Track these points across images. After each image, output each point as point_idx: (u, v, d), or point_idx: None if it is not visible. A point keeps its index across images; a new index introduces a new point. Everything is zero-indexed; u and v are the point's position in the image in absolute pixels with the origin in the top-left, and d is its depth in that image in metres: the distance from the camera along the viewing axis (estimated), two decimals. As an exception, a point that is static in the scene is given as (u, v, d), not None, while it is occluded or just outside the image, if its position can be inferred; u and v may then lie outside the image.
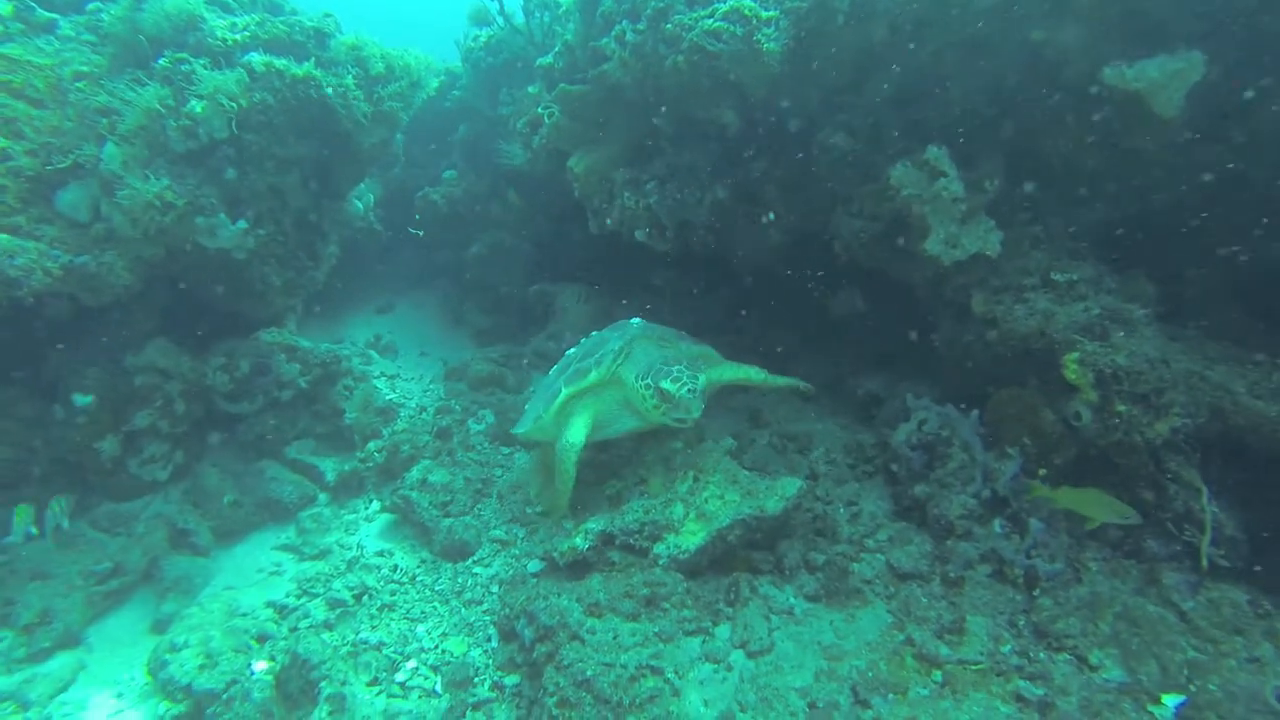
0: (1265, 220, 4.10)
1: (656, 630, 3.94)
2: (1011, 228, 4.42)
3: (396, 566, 5.03)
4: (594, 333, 5.07)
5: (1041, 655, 3.64)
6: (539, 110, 5.56)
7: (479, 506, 5.44)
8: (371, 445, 6.05)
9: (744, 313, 6.37)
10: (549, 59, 5.58)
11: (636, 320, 4.88)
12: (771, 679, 3.67)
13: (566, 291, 8.00)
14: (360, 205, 7.97)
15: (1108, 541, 4.15)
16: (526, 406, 5.28)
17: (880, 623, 3.98)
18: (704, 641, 3.92)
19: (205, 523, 5.52)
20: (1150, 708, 3.37)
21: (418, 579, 4.92)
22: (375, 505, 5.72)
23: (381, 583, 4.88)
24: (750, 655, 3.84)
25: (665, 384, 4.14)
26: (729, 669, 3.78)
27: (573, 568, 4.34)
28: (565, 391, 4.55)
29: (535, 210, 7.49)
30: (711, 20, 3.91)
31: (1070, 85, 4.04)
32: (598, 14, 4.91)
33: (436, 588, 4.81)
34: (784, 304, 6.05)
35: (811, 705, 3.54)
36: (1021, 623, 3.85)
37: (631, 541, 4.25)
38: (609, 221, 5.35)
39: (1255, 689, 3.28)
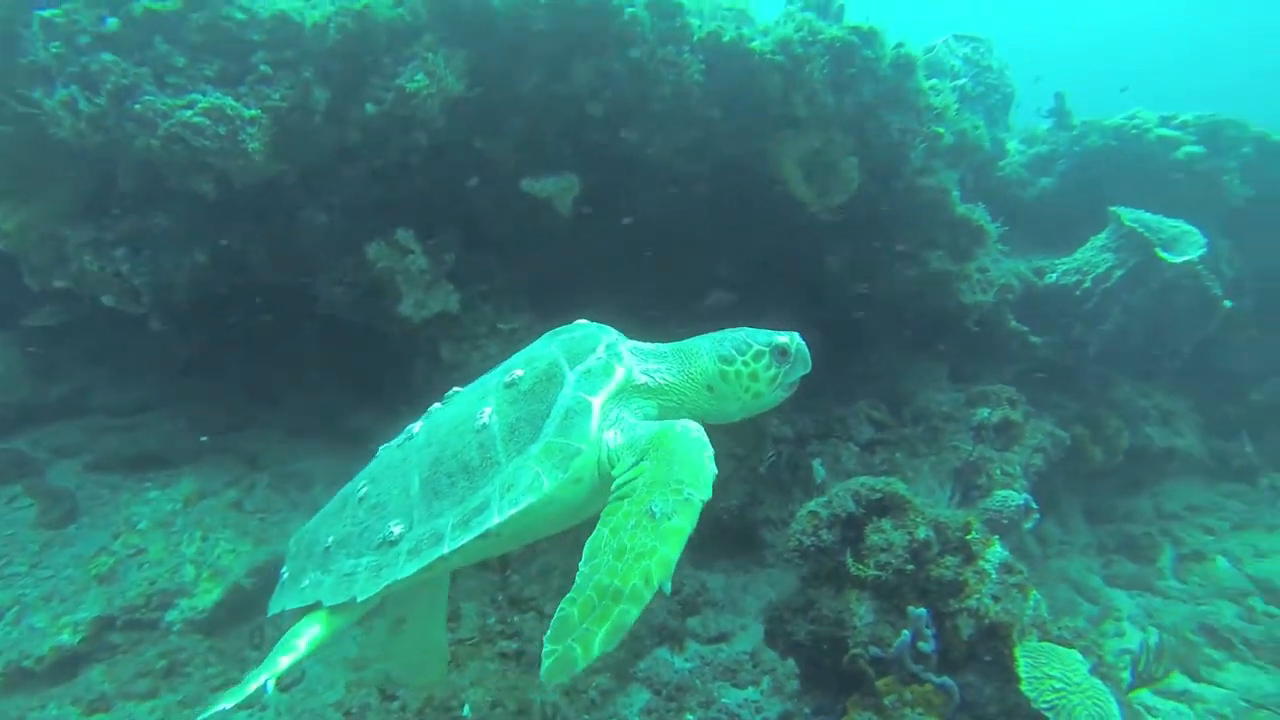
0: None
1: (179, 698, 4.05)
2: (467, 287, 5.57)
3: None
4: (495, 371, 2.99)
5: (515, 618, 4.91)
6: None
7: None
8: None
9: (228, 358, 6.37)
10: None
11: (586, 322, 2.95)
12: (308, 703, 4.17)
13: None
14: None
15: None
16: (364, 525, 2.77)
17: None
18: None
19: None
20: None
21: None
22: None
23: None
24: (283, 689, 4.23)
25: (778, 338, 2.75)
26: (265, 708, 4.12)
27: (60, 668, 4.06)
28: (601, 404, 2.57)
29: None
30: (191, 113, 4.02)
31: (504, 183, 5.33)
32: (19, 60, 4.39)
33: None
34: (273, 347, 6.28)
35: (347, 714, 4.16)
36: (500, 597, 5.07)
37: (137, 616, 4.21)
38: (58, 282, 4.87)
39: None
